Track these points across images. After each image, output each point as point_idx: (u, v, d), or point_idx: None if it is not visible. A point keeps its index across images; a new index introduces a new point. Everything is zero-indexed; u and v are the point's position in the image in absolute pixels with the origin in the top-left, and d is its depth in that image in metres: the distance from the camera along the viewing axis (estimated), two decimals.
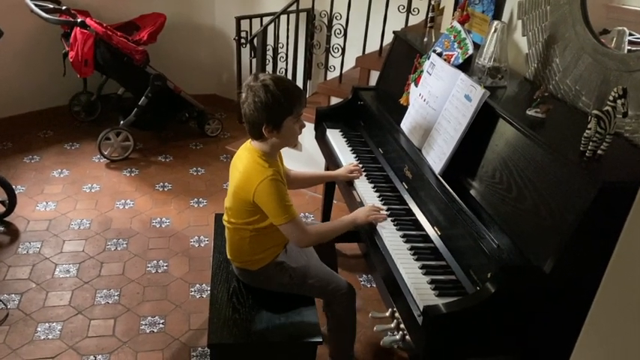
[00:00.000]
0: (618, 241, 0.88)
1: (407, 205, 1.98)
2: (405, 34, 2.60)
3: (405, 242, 1.78)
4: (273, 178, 1.70)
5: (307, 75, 3.67)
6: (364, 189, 2.11)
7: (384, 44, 3.24)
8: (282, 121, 1.71)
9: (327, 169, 2.72)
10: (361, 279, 2.78)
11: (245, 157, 1.79)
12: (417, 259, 1.69)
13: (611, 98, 1.41)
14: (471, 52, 2.10)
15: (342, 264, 2.83)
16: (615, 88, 1.40)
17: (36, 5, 3.47)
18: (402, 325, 2.25)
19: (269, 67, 3.74)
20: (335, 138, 2.52)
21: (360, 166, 2.23)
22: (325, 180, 2.53)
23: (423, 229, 1.83)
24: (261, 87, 1.67)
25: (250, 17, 3.80)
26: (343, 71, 3.43)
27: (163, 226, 3.10)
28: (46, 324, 2.34)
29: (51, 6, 3.62)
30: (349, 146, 2.45)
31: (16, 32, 3.84)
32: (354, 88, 2.66)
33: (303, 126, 1.80)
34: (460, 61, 2.12)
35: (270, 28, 3.57)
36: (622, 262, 0.89)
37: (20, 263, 2.70)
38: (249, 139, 1.82)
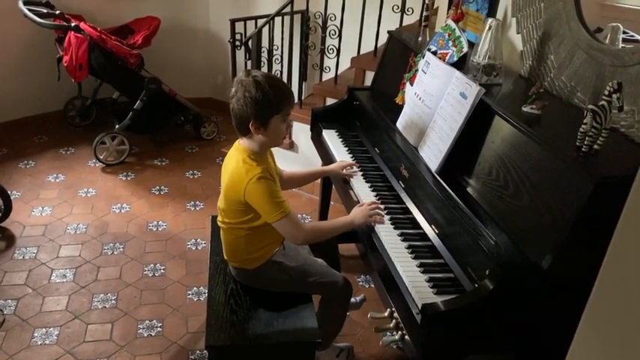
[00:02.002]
0: (614, 235, 0.88)
1: (404, 203, 1.97)
2: (400, 34, 2.60)
3: (403, 241, 1.77)
4: (261, 176, 1.69)
5: (302, 76, 3.66)
6: (361, 189, 2.11)
7: (378, 44, 3.24)
8: (270, 118, 1.71)
9: None
10: (359, 279, 2.77)
11: (234, 157, 1.79)
12: (414, 258, 1.68)
13: (606, 92, 1.41)
14: (465, 50, 2.10)
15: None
16: (610, 82, 1.40)
17: (30, 10, 3.46)
18: (401, 325, 2.25)
19: (264, 69, 3.72)
20: (331, 138, 2.52)
21: (357, 166, 2.23)
22: (319, 176, 2.51)
23: (421, 228, 1.82)
24: (252, 82, 1.67)
25: (245, 19, 3.79)
26: (338, 72, 3.43)
27: (160, 229, 3.09)
28: (43, 329, 2.33)
29: (45, 11, 3.60)
30: (345, 146, 2.45)
31: (10, 37, 3.84)
32: (349, 89, 2.66)
33: (290, 126, 1.80)
34: (455, 59, 2.12)
35: (265, 30, 3.56)
36: (617, 256, 0.88)
37: (16, 269, 2.68)
38: (239, 139, 1.82)
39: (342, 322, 2.11)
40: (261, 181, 1.69)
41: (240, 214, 1.80)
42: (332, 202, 2.95)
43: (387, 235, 1.81)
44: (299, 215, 3.25)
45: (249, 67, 3.75)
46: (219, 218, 1.91)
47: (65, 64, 3.48)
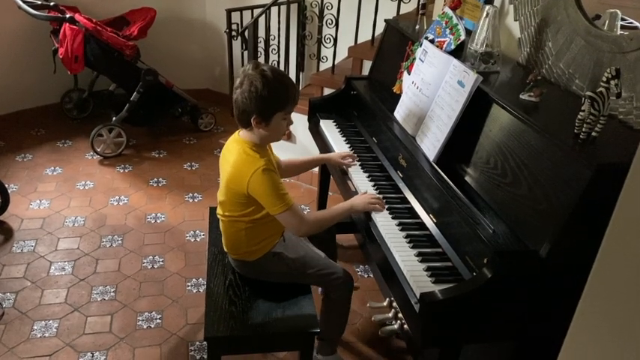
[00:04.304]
0: (610, 221, 0.87)
1: (402, 193, 1.97)
2: (397, 22, 2.58)
3: (401, 230, 1.77)
4: (266, 168, 1.69)
5: (299, 67, 3.65)
6: (359, 179, 2.10)
7: (376, 33, 3.22)
8: (273, 115, 1.69)
9: None
10: (358, 269, 2.77)
11: (235, 149, 1.78)
12: (412, 247, 1.68)
13: (604, 79, 1.40)
14: (463, 37, 2.09)
15: (339, 255, 2.81)
16: (608, 68, 1.39)
17: (24, 2, 3.43)
18: (399, 315, 2.25)
19: (261, 60, 3.70)
20: (329, 129, 2.51)
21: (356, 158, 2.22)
22: (318, 163, 2.50)
23: (419, 217, 1.82)
24: (259, 77, 1.65)
25: (241, 9, 3.76)
26: (336, 62, 3.41)
27: (158, 221, 3.08)
28: (42, 322, 2.33)
29: (39, 2, 3.58)
30: (343, 136, 2.44)
31: (4, 30, 3.81)
32: (346, 78, 2.64)
33: (291, 123, 1.79)
34: (452, 47, 2.10)
35: (261, 20, 3.54)
36: (614, 243, 0.88)
37: (15, 262, 2.68)
38: (238, 131, 1.81)
39: (345, 321, 2.09)
40: (265, 173, 1.68)
41: (241, 206, 1.79)
42: (330, 193, 2.94)
43: (385, 224, 1.80)
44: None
45: (245, 57, 3.73)
46: (220, 211, 1.89)
47: (61, 57, 3.46)
